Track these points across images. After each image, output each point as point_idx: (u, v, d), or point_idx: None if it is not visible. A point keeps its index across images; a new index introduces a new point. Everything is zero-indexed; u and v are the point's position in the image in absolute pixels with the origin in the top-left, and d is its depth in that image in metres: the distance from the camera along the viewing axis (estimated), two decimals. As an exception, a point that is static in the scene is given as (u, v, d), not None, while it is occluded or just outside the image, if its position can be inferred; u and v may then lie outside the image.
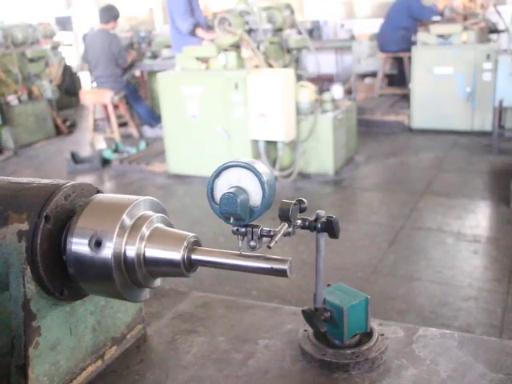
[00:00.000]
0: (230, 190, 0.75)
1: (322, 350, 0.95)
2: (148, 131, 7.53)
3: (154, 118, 7.40)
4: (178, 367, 0.98)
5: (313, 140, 5.17)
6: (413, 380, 0.90)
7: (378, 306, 2.96)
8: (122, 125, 7.61)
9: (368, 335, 0.98)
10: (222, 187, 0.78)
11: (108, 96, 7.14)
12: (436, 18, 7.31)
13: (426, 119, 6.81)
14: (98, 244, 0.80)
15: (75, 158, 6.09)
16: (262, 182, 0.75)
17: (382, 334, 0.98)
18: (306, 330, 1.00)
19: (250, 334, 1.05)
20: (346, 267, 3.49)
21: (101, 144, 7.28)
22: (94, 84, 7.72)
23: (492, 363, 0.91)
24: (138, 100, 7.63)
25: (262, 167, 0.77)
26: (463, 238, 3.82)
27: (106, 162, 6.12)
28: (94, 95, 7.39)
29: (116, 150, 6.37)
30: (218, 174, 0.78)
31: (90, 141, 7.49)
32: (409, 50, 7.21)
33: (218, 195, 0.78)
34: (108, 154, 6.16)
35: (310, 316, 0.95)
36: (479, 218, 4.24)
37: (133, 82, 7.94)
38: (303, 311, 0.96)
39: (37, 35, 8.23)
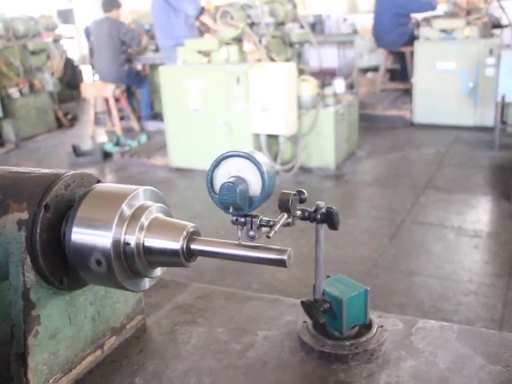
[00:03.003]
0: (230, 180, 0.75)
1: (321, 341, 0.96)
2: (149, 124, 7.53)
3: (149, 115, 7.47)
4: (177, 357, 0.98)
5: (314, 134, 5.16)
6: (411, 372, 0.90)
7: (379, 299, 2.96)
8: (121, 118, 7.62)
9: (367, 327, 0.98)
10: (222, 177, 0.77)
11: (109, 89, 7.13)
12: (437, 11, 7.27)
13: (427, 114, 6.80)
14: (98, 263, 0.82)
15: (76, 151, 6.10)
16: (261, 172, 0.75)
17: (381, 326, 0.98)
18: (305, 322, 1.00)
19: (249, 325, 1.06)
20: (346, 261, 3.49)
21: (102, 137, 7.28)
22: (96, 73, 7.68)
23: (491, 355, 0.91)
24: (142, 83, 7.58)
25: (262, 157, 0.77)
26: (464, 232, 3.82)
27: (107, 156, 6.12)
28: (96, 88, 7.38)
29: (117, 144, 6.37)
30: (217, 163, 0.78)
31: (91, 134, 7.49)
32: (407, 43, 7.20)
33: (217, 185, 0.77)
34: (109, 148, 6.16)
35: (309, 307, 0.95)
36: (480, 213, 4.23)
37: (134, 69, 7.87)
38: (302, 302, 0.96)
39: (38, 28, 8.21)
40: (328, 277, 1.01)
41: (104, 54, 7.20)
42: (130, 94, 7.81)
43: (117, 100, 7.37)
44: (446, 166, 5.36)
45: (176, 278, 1.28)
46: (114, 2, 7.22)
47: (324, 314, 0.94)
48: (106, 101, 7.45)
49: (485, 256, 3.55)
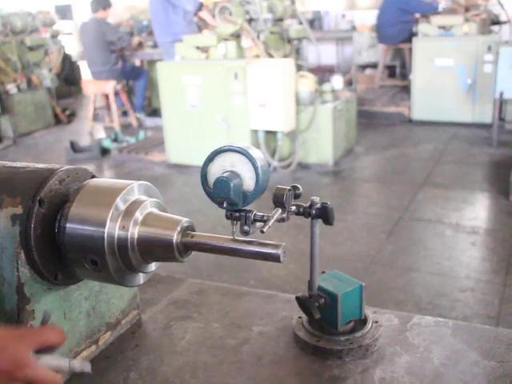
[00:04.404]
0: (224, 175, 0.75)
1: (316, 336, 0.96)
2: (147, 121, 7.52)
3: (141, 105, 7.46)
4: (172, 353, 0.98)
5: (312, 130, 5.16)
6: (406, 367, 0.90)
7: (376, 296, 2.96)
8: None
9: (362, 322, 0.98)
10: (216, 172, 0.77)
11: (110, 86, 7.12)
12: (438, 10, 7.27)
13: (426, 111, 6.79)
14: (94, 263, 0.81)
15: (74, 147, 6.08)
16: (255, 167, 0.75)
17: (376, 322, 0.98)
18: (300, 317, 1.01)
19: (244, 320, 1.06)
20: (344, 257, 3.49)
21: (100, 133, 7.26)
22: (90, 75, 7.63)
23: (485, 351, 0.92)
24: (139, 76, 7.55)
25: (256, 152, 0.77)
26: (462, 229, 3.82)
27: (105, 152, 6.11)
28: (97, 85, 7.36)
29: (115, 140, 6.36)
30: (211, 158, 0.78)
31: (90, 130, 7.48)
32: (407, 40, 7.20)
33: (211, 180, 0.77)
34: (107, 144, 6.15)
35: (304, 303, 0.95)
36: (478, 210, 4.24)
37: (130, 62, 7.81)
38: (297, 298, 0.96)
39: (36, 23, 8.18)
40: (323, 272, 1.01)
41: (94, 55, 7.17)
42: (129, 89, 7.79)
43: (115, 94, 7.36)
44: (444, 162, 5.36)
45: (172, 274, 1.28)
46: (100, 2, 7.17)
47: (319, 309, 0.94)
48: (106, 96, 7.43)
49: (482, 253, 3.56)
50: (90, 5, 7.24)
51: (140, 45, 7.76)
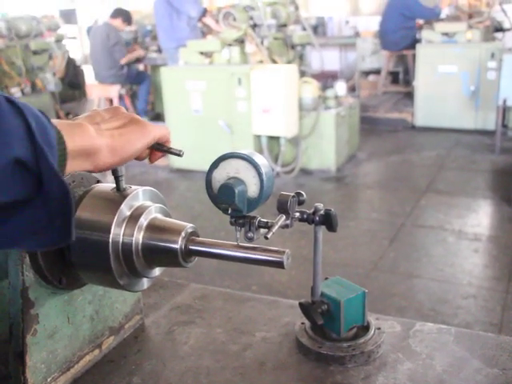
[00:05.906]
0: (228, 181, 0.76)
1: (319, 342, 0.96)
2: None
3: (144, 110, 7.47)
4: (175, 358, 0.98)
5: (315, 136, 5.17)
6: (408, 374, 0.90)
7: (378, 302, 2.96)
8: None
9: (365, 329, 0.98)
10: (221, 178, 0.78)
11: (115, 90, 7.14)
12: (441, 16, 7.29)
13: (429, 117, 6.80)
14: None
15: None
16: (259, 174, 0.75)
17: (379, 328, 0.99)
18: (303, 323, 1.01)
19: (247, 326, 1.06)
20: (346, 263, 3.49)
21: (103, 137, 7.26)
22: (95, 78, 7.64)
23: (488, 358, 0.92)
24: (144, 80, 7.57)
25: (261, 159, 0.77)
26: (464, 236, 3.82)
27: (108, 156, 6.11)
28: (101, 89, 7.38)
29: (118, 144, 6.36)
30: (216, 164, 0.78)
31: (93, 134, 7.47)
32: (410, 46, 7.21)
33: (216, 186, 0.78)
34: (110, 148, 6.15)
35: (307, 309, 0.95)
36: (480, 217, 4.23)
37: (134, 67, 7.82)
38: (300, 304, 0.96)
39: (41, 28, 8.20)
40: (326, 279, 1.01)
41: (100, 59, 7.19)
42: (133, 93, 7.81)
43: (119, 99, 7.38)
44: (446, 169, 5.36)
45: (175, 278, 1.29)
46: (123, 13, 7.22)
47: (322, 315, 0.94)
48: (110, 101, 7.45)
49: (485, 259, 3.56)
50: (112, 9, 7.30)
51: (139, 60, 7.73)
